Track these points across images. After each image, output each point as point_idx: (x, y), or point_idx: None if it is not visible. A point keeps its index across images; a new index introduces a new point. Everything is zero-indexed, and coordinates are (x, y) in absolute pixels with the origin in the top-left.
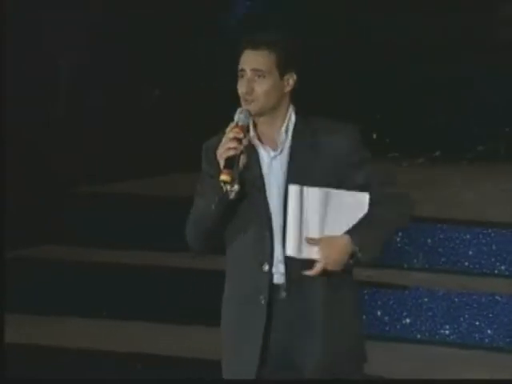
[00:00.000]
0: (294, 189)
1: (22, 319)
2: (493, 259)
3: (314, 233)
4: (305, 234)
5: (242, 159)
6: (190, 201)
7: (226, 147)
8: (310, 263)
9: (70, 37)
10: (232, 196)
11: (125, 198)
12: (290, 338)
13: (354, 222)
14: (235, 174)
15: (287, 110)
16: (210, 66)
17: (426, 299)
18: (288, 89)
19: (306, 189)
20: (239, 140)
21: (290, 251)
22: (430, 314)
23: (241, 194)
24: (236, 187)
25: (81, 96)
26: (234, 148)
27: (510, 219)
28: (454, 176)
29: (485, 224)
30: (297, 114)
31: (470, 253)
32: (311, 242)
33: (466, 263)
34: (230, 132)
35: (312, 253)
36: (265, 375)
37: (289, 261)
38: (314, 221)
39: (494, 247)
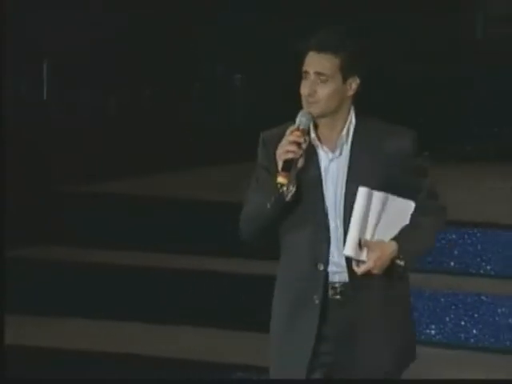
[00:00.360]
0: (363, 191)
1: (22, 320)
2: (478, 259)
3: (368, 235)
4: (363, 236)
5: (300, 162)
6: (190, 202)
7: (286, 149)
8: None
9: (69, 37)
10: (288, 198)
11: (125, 198)
12: (343, 337)
13: (397, 229)
14: (292, 176)
15: (348, 112)
16: (210, 66)
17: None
18: (350, 93)
19: (373, 192)
20: (299, 144)
21: (350, 251)
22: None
23: (297, 195)
24: (292, 189)
25: (81, 96)
26: (293, 152)
27: (495, 219)
28: (440, 176)
29: (470, 224)
30: (357, 116)
31: (456, 253)
32: (365, 244)
33: (452, 263)
34: (291, 135)
35: (363, 254)
36: (313, 373)
37: (348, 260)
38: (371, 224)
39: (479, 247)
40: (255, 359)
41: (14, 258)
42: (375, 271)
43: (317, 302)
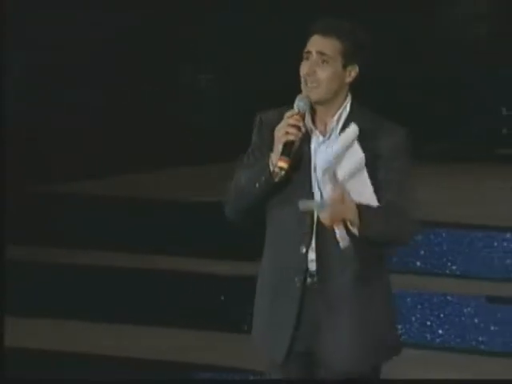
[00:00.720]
0: (353, 129)
1: (22, 322)
2: (444, 259)
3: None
4: (334, 174)
5: (296, 146)
6: (190, 202)
7: (286, 131)
8: (338, 248)
9: (69, 36)
10: (278, 179)
11: (125, 198)
12: (319, 322)
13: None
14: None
15: (344, 99)
16: (209, 67)
17: None
18: (349, 80)
19: (357, 144)
20: (298, 127)
21: (324, 168)
22: None
23: (286, 176)
24: (284, 170)
25: (81, 96)
26: (293, 134)
27: (460, 219)
28: (439, 176)
29: (436, 224)
30: (353, 105)
31: (422, 252)
32: (334, 181)
33: (418, 263)
34: (291, 118)
35: (328, 187)
36: (292, 359)
37: (320, 244)
38: (343, 171)
39: (445, 247)
40: (255, 362)
41: (14, 259)
42: (328, 217)
43: (298, 285)
